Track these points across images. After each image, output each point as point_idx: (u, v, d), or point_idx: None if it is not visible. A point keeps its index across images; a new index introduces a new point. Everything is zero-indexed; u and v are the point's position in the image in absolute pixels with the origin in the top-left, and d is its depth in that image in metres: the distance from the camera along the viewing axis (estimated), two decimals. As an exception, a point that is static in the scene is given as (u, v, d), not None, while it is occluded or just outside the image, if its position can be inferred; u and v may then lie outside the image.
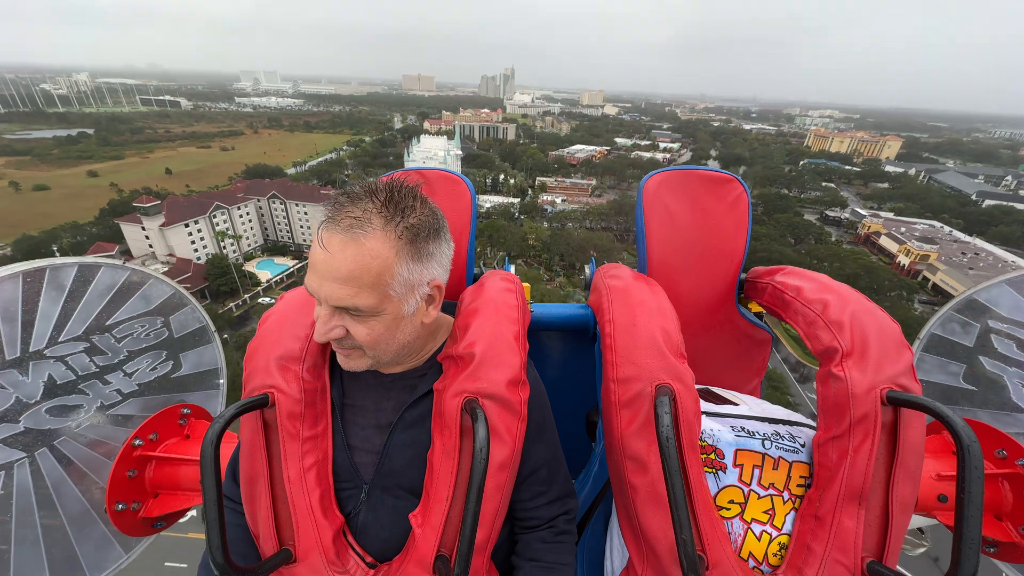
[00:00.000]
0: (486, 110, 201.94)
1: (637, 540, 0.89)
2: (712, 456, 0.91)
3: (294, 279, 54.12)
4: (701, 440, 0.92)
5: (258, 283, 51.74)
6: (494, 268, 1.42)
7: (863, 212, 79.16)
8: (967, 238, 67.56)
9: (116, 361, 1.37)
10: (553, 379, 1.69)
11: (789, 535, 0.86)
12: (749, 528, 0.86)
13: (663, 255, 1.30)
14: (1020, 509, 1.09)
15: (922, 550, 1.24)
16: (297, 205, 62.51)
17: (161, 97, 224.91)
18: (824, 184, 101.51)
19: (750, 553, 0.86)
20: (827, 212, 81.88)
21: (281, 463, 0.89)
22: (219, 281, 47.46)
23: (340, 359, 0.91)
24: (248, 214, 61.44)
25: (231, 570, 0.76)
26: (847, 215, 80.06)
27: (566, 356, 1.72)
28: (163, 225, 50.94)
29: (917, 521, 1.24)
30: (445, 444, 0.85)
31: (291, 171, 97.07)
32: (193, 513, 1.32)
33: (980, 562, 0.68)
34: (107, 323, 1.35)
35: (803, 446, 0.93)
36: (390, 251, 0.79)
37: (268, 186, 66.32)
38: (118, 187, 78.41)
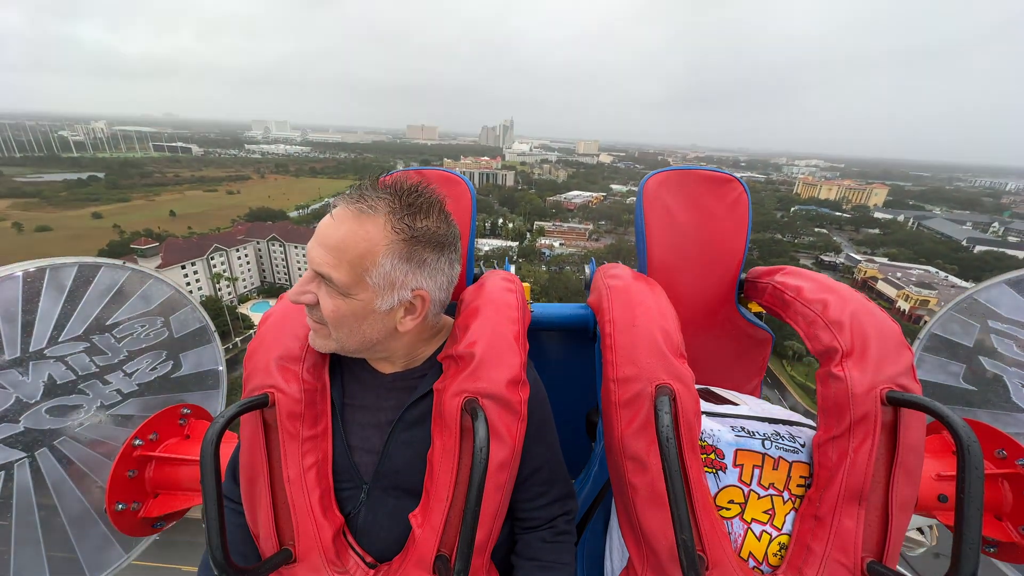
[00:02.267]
0: (486, 158, 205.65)
1: (637, 540, 0.89)
2: (712, 456, 0.91)
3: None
4: (701, 440, 0.92)
5: (251, 325, 51.11)
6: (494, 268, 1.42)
7: (858, 257, 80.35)
8: (963, 283, 65.04)
9: (116, 361, 1.37)
10: (553, 379, 1.69)
11: (789, 535, 0.86)
12: (749, 528, 0.86)
13: (663, 255, 1.30)
14: (1020, 509, 1.09)
15: (922, 550, 1.24)
16: (295, 247, 62.22)
17: (174, 144, 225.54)
18: (816, 230, 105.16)
19: (750, 553, 0.86)
20: (822, 257, 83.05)
21: (281, 463, 0.89)
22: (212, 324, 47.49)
23: (309, 335, 0.92)
24: (246, 256, 62.18)
25: (231, 570, 0.76)
26: (842, 260, 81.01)
27: (566, 356, 1.72)
28: (159, 267, 49.10)
29: (917, 521, 1.24)
30: (445, 444, 0.85)
31: (293, 214, 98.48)
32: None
33: (980, 562, 0.68)
34: (107, 323, 1.35)
35: (803, 446, 0.92)
36: (381, 239, 0.80)
37: (269, 228, 67.23)
38: (120, 228, 79.35)
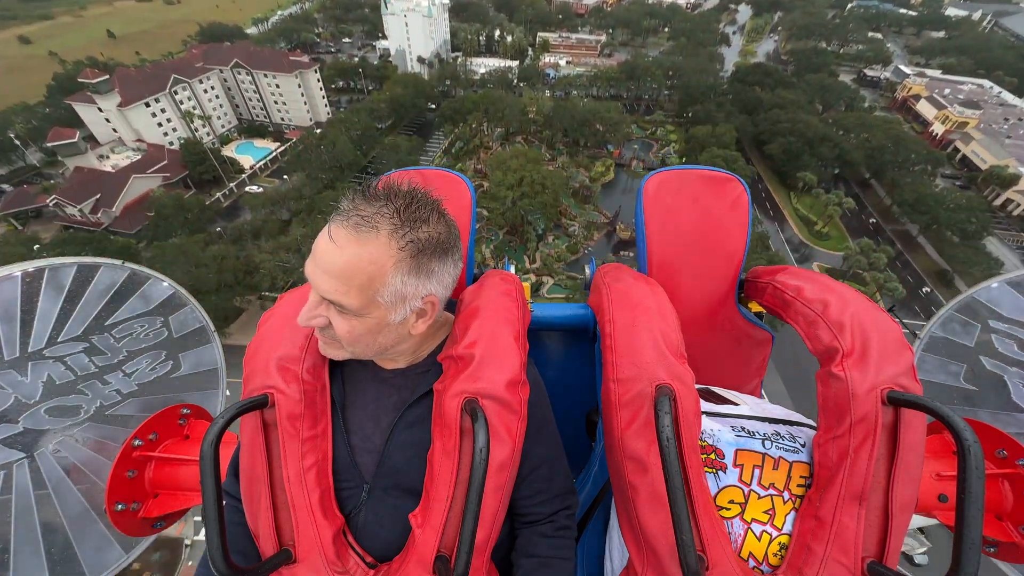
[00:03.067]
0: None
1: (637, 540, 0.88)
2: (712, 456, 0.91)
3: (278, 164, 49.56)
4: (701, 440, 0.92)
5: (241, 169, 47.77)
6: (493, 268, 1.41)
7: (907, 71, 69.37)
8: (1015, 100, 59.86)
9: (115, 361, 1.37)
10: (553, 379, 1.69)
11: (789, 535, 0.86)
12: (749, 528, 0.86)
13: (663, 255, 1.30)
14: (1020, 509, 1.08)
15: (922, 550, 1.24)
16: (266, 76, 53.77)
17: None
18: (871, 34, 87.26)
19: (750, 553, 0.85)
20: (866, 71, 73.17)
21: (281, 463, 0.89)
22: (199, 169, 43.83)
23: (320, 344, 0.92)
24: (213, 88, 53.92)
25: (231, 570, 0.76)
26: (888, 74, 71.72)
27: (566, 356, 1.72)
28: (121, 105, 45.15)
29: (917, 521, 1.24)
30: (445, 444, 0.85)
31: (252, 31, 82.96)
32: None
33: (980, 562, 0.68)
34: (106, 323, 1.35)
35: (803, 446, 0.92)
36: (388, 260, 0.79)
37: (229, 52, 56.58)
38: (59, 57, 69.16)
